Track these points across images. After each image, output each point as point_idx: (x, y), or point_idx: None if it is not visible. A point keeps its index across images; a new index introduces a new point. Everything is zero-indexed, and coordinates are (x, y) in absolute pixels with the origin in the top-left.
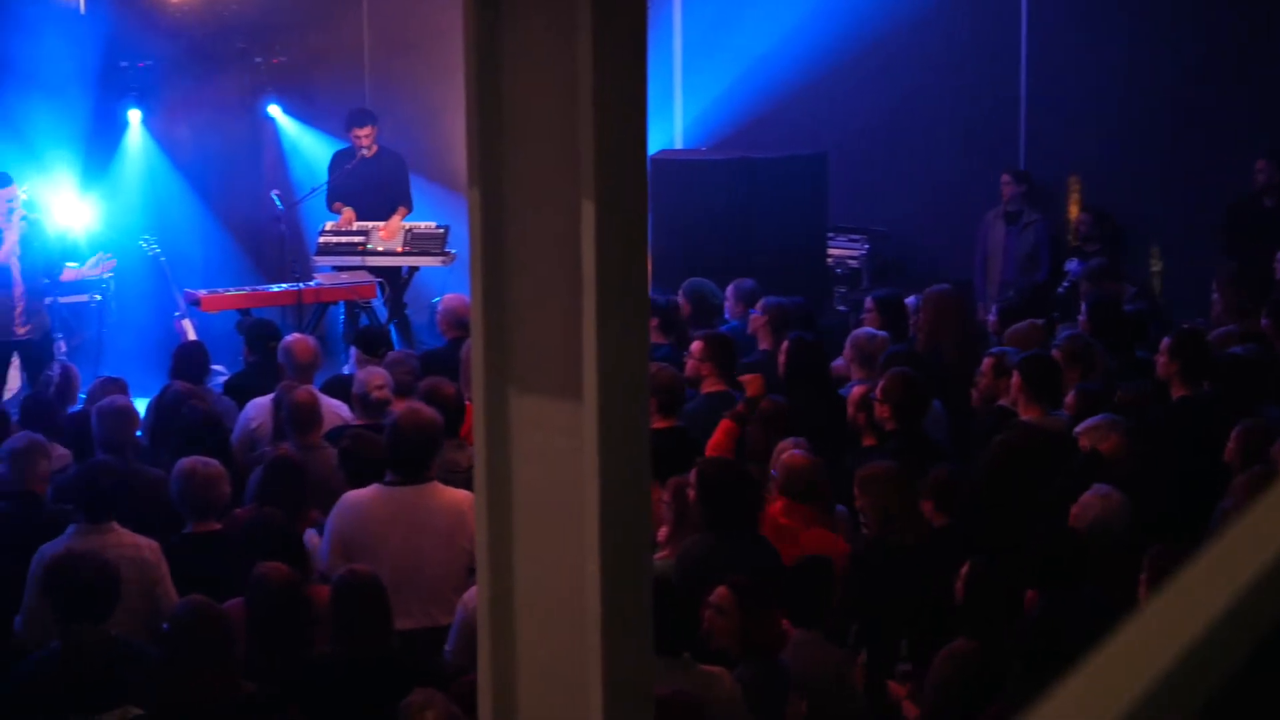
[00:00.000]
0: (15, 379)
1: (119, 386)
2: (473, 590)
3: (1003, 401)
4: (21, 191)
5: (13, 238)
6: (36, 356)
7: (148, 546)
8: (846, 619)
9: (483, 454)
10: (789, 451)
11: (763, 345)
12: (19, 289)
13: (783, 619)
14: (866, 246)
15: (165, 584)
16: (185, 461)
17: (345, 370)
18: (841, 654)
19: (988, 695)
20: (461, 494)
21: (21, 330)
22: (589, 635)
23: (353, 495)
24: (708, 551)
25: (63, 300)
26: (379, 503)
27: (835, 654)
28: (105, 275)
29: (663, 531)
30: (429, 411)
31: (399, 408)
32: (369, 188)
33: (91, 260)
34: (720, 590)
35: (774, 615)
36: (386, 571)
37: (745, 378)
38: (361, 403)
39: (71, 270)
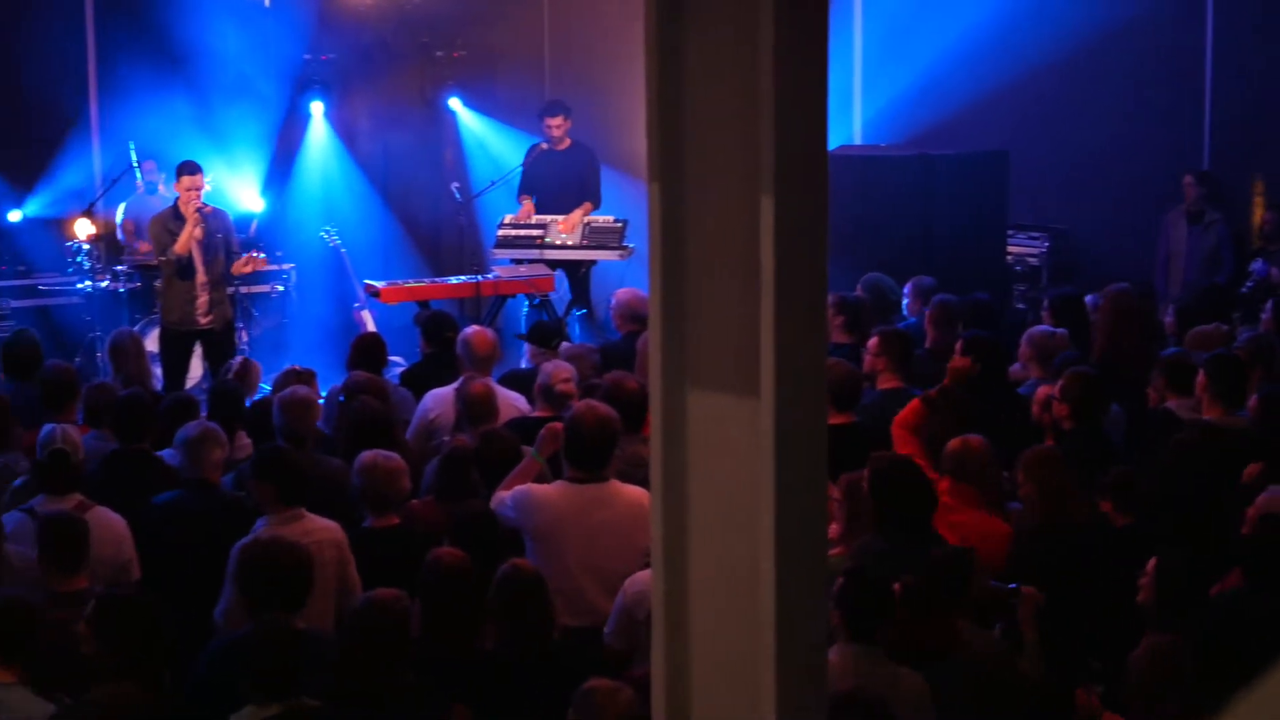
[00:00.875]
0: (197, 367)
1: (306, 377)
2: (634, 576)
3: (1171, 403)
4: (206, 182)
5: (196, 229)
6: (219, 346)
7: (336, 530)
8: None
9: (659, 449)
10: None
11: (930, 344)
12: (201, 278)
13: (958, 619)
14: (1047, 244)
15: (351, 568)
16: (366, 455)
17: (522, 363)
18: (997, 640)
19: (1187, 690)
20: (643, 494)
21: (204, 320)
22: (763, 632)
23: (536, 489)
24: (881, 552)
25: (244, 290)
26: (561, 499)
27: (989, 640)
28: (258, 271)
29: (834, 528)
30: (605, 409)
31: (578, 403)
32: (559, 180)
33: (241, 260)
34: (895, 590)
35: (945, 616)
36: (566, 568)
37: (955, 361)
38: (545, 395)
39: (251, 262)
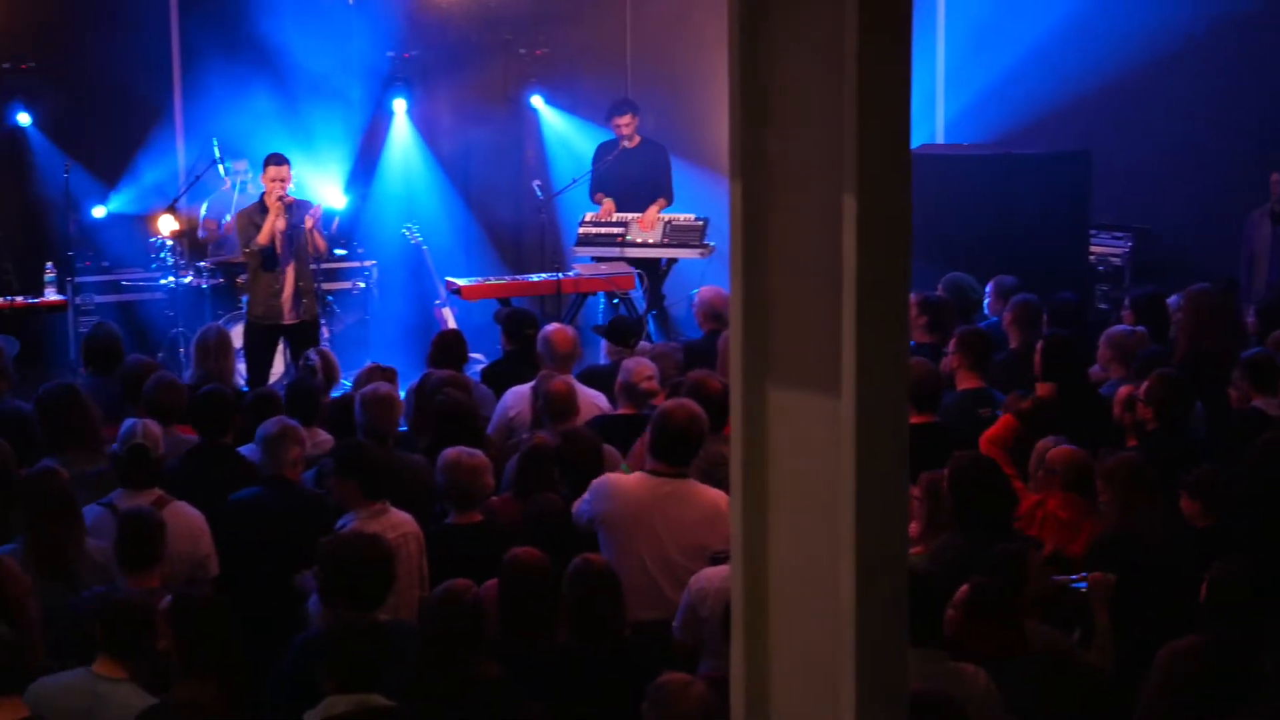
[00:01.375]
0: (279, 363)
1: (388, 374)
2: (699, 573)
3: (1256, 402)
4: (291, 175)
5: (280, 222)
6: (302, 341)
7: (410, 521)
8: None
9: (739, 446)
10: (1061, 445)
11: (1012, 344)
12: (286, 273)
13: (1023, 617)
14: (1130, 244)
15: (423, 567)
16: (451, 452)
17: (600, 360)
18: (1062, 635)
19: (1213, 695)
20: (718, 494)
21: (289, 315)
22: (842, 630)
23: (616, 478)
24: (960, 551)
25: (326, 287)
26: (640, 489)
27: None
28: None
29: (914, 527)
30: (696, 407)
31: (670, 399)
32: (630, 178)
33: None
34: (961, 590)
35: (1014, 617)
36: (639, 559)
37: (1040, 386)
38: (628, 393)
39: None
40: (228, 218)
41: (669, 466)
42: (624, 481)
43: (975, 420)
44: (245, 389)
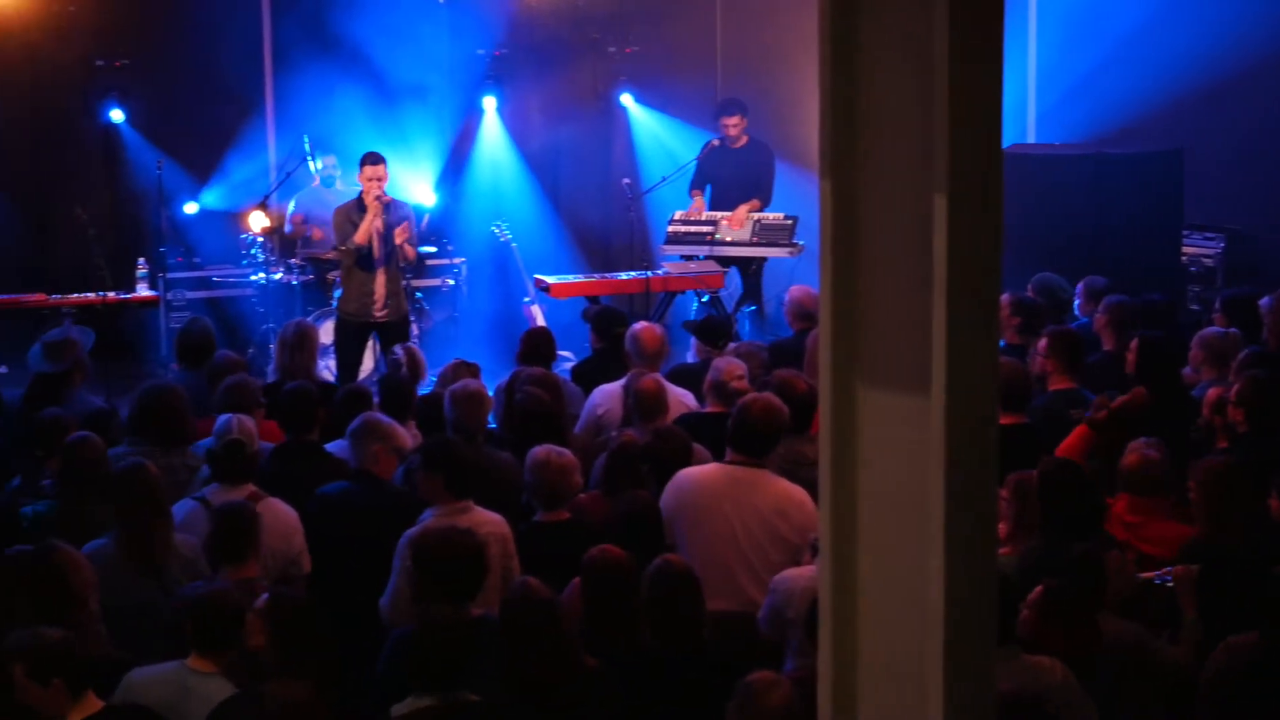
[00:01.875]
0: (369, 360)
1: (472, 370)
2: (785, 573)
3: None
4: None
5: (377, 222)
6: (393, 339)
7: (502, 524)
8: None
9: (828, 445)
10: (1131, 450)
11: (1106, 346)
12: (379, 271)
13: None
14: (1222, 245)
15: (514, 563)
16: (539, 451)
17: (688, 358)
18: (1141, 629)
19: (1263, 693)
20: (791, 486)
21: (380, 312)
22: (931, 631)
23: (691, 470)
24: (1043, 553)
25: (415, 284)
26: (714, 477)
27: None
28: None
29: (1002, 528)
30: (777, 401)
31: (750, 396)
32: (734, 177)
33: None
34: (1035, 590)
35: (1088, 616)
36: (715, 548)
37: (1123, 397)
38: (717, 391)
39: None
40: (290, 206)
41: (746, 457)
42: (699, 471)
43: (1066, 421)
44: (335, 385)
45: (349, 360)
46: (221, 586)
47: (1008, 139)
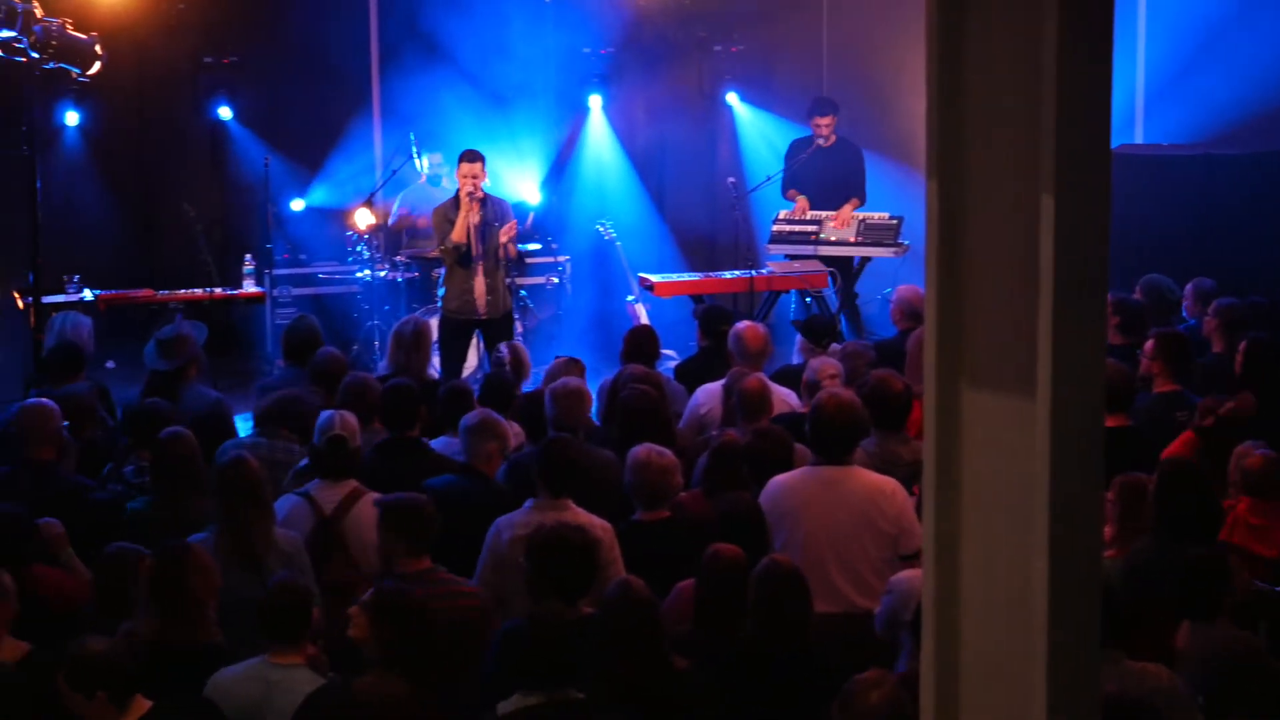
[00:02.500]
0: (473, 357)
1: (578, 368)
2: (901, 574)
3: None
4: (485, 171)
5: (474, 218)
6: (496, 336)
7: (601, 526)
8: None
9: (932, 446)
10: (1249, 452)
11: (1216, 348)
12: (478, 268)
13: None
14: None
15: (618, 566)
16: (640, 451)
17: (793, 359)
18: (1253, 638)
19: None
20: (881, 478)
21: (483, 309)
22: (1035, 634)
23: (780, 477)
24: (1153, 556)
25: (520, 282)
26: (802, 482)
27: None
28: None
29: (1107, 531)
30: (849, 396)
31: (821, 393)
32: (824, 177)
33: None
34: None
35: (1202, 625)
36: (810, 550)
37: (1230, 403)
38: (811, 390)
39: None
40: (396, 203)
41: (828, 457)
42: (787, 477)
43: (1170, 424)
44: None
45: (452, 357)
46: (291, 578)
47: (1115, 139)
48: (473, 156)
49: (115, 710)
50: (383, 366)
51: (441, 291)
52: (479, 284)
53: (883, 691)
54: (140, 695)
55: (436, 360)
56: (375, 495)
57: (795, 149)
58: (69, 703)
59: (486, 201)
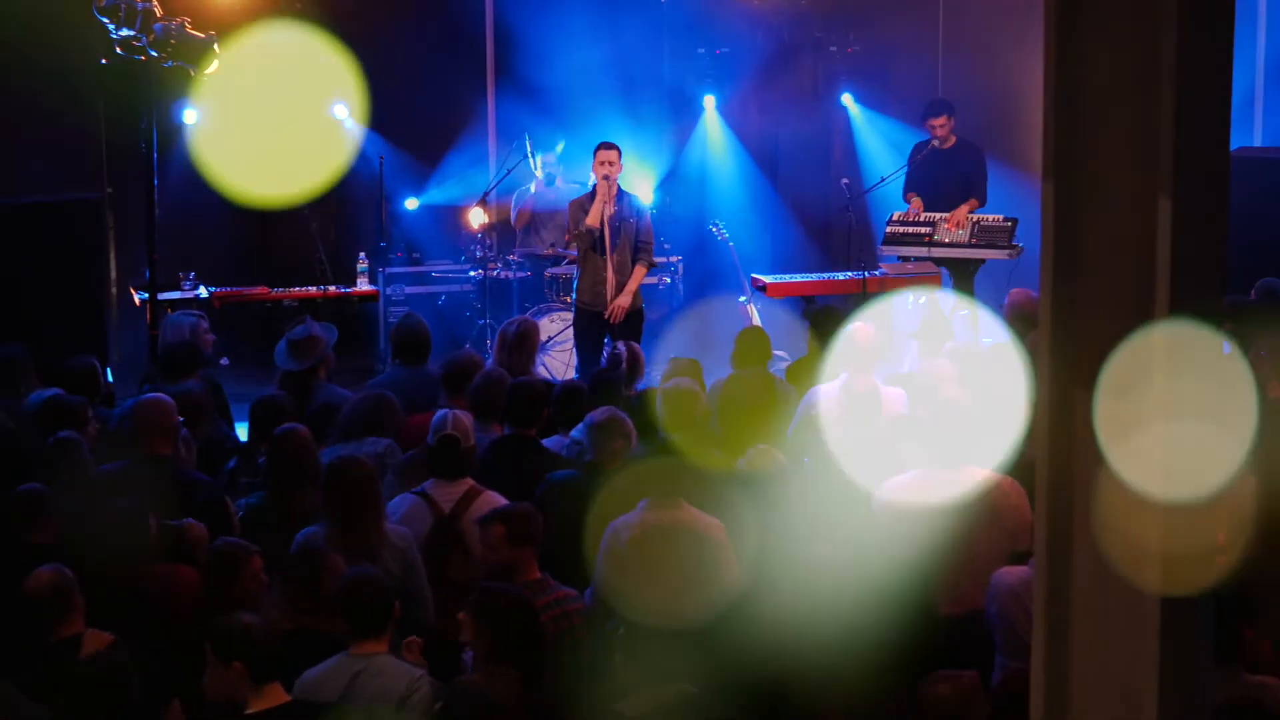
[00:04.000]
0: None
1: (695, 368)
2: (1000, 570)
3: None
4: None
5: (609, 208)
6: (624, 332)
7: (716, 526)
8: None
9: (1046, 451)
10: None
11: None
12: (609, 259)
13: None
14: None
15: (731, 567)
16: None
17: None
18: None
19: None
20: (994, 476)
21: (611, 301)
22: (1147, 640)
23: (894, 480)
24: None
25: None
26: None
27: None
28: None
29: (1219, 537)
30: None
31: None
32: (941, 179)
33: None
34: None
35: None
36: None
37: None
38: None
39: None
40: (513, 202)
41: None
42: (902, 480)
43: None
44: (554, 380)
45: (588, 349)
46: (368, 572)
47: (1234, 142)
48: (608, 146)
49: (250, 685)
50: (490, 365)
51: (575, 283)
52: (610, 275)
53: (948, 686)
54: (279, 685)
55: (545, 358)
56: (493, 494)
57: (916, 151)
58: (211, 671)
59: (622, 197)
